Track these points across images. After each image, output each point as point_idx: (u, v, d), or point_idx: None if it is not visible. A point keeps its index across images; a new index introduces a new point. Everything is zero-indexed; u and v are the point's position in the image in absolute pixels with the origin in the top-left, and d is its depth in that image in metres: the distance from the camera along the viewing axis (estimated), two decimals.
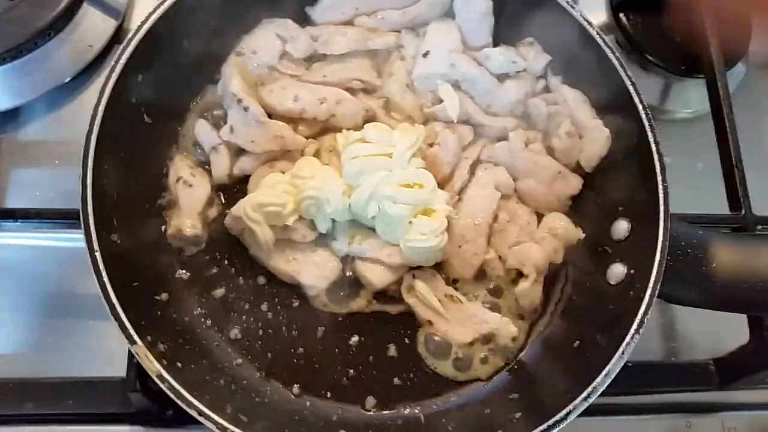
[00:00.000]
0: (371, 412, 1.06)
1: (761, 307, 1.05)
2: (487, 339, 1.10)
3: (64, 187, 1.17)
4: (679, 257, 0.99)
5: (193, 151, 1.16)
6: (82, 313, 1.12)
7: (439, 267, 1.13)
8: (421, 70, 1.19)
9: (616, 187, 1.12)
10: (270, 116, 1.12)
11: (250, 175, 1.14)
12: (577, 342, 1.04)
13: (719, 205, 1.21)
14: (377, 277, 1.10)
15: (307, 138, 1.16)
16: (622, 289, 1.03)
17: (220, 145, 1.14)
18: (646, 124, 1.05)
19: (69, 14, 1.27)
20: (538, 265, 1.11)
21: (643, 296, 0.96)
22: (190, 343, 1.03)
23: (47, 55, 1.25)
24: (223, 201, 1.15)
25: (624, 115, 1.09)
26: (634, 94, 1.08)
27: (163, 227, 1.11)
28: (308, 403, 1.05)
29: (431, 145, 1.16)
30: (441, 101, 1.18)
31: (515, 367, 1.10)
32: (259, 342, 1.08)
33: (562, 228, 1.14)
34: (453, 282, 1.14)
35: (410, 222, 1.06)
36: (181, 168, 1.13)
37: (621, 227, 1.08)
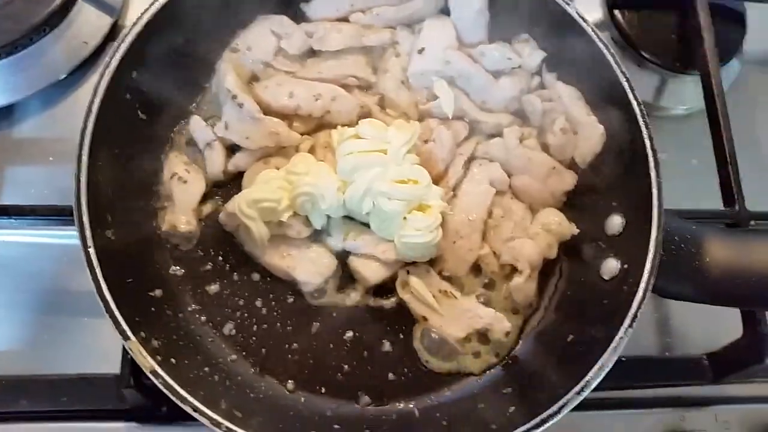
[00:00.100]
0: (366, 408, 1.06)
1: (754, 302, 1.06)
2: (481, 334, 1.10)
3: (58, 184, 1.17)
4: (673, 252, 0.99)
5: (187, 148, 1.16)
6: (76, 310, 1.12)
7: (433, 263, 1.13)
8: (416, 66, 1.19)
9: (610, 183, 1.12)
10: (265, 113, 1.12)
11: (244, 172, 1.14)
12: (571, 336, 1.05)
13: (713, 201, 1.21)
14: (372, 272, 1.10)
15: (302, 134, 1.16)
16: (616, 284, 1.03)
17: (215, 141, 1.14)
18: (641, 120, 1.05)
19: (64, 10, 1.27)
20: (532, 261, 1.11)
21: (637, 291, 0.97)
22: (184, 339, 1.03)
23: (42, 51, 1.25)
24: (218, 197, 1.15)
25: (618, 112, 1.09)
26: (628, 91, 1.07)
27: (157, 224, 1.11)
28: (303, 399, 1.05)
29: (426, 141, 1.16)
30: (436, 98, 1.18)
31: (509, 361, 1.10)
32: (254, 338, 1.08)
33: (557, 224, 1.14)
34: (447, 277, 1.13)
35: (405, 218, 1.06)
36: (175, 164, 1.13)
37: (615, 222, 1.08)
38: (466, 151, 1.18)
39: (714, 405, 1.19)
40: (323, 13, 1.22)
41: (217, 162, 1.14)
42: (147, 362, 0.90)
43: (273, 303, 1.10)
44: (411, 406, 1.07)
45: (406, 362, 1.09)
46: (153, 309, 1.02)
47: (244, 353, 1.07)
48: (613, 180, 1.11)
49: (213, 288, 1.09)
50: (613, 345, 0.94)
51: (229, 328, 1.08)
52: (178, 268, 1.10)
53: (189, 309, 1.08)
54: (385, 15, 1.21)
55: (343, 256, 1.13)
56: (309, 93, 1.16)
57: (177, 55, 1.13)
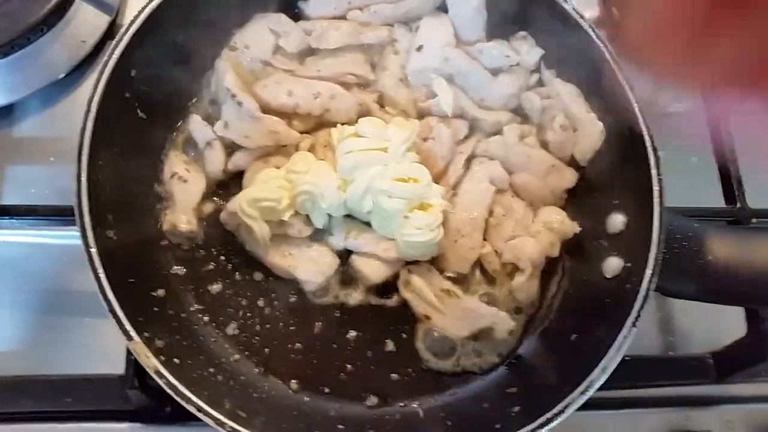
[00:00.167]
0: (370, 408, 1.06)
1: (758, 300, 1.06)
2: (485, 333, 1.10)
3: (59, 184, 1.16)
4: (675, 250, 1.00)
5: (187, 147, 1.16)
6: (78, 310, 1.12)
7: (435, 261, 1.13)
8: (415, 64, 1.19)
9: (611, 181, 1.12)
10: (264, 111, 1.12)
11: (244, 171, 1.13)
12: (574, 336, 1.05)
13: (714, 198, 1.21)
14: (373, 271, 1.10)
15: (301, 133, 1.16)
16: (619, 283, 1.03)
17: (215, 140, 1.13)
18: (640, 117, 1.05)
19: (61, 9, 1.26)
20: (534, 260, 1.11)
21: (639, 289, 0.97)
22: (187, 339, 1.03)
23: (40, 51, 1.24)
24: (219, 197, 1.14)
25: (618, 109, 1.09)
26: (627, 88, 1.08)
27: (158, 223, 1.10)
28: (306, 399, 1.05)
29: (425, 139, 1.16)
30: (435, 95, 1.18)
31: (513, 361, 1.10)
32: (257, 338, 1.08)
33: (558, 222, 1.14)
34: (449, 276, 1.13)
35: (406, 216, 1.06)
36: (175, 163, 1.13)
37: (616, 221, 1.08)
38: (466, 149, 1.18)
39: (718, 404, 1.20)
40: (321, 11, 1.22)
41: (216, 161, 1.13)
42: (151, 363, 0.90)
43: (275, 302, 1.10)
44: (415, 406, 1.06)
45: (410, 362, 1.09)
46: (155, 309, 1.02)
47: (247, 353, 1.06)
48: (614, 178, 1.11)
49: (215, 288, 1.09)
50: (617, 344, 0.94)
51: (232, 328, 1.08)
52: (180, 267, 1.09)
53: (191, 309, 1.08)
54: (382, 12, 1.21)
55: (344, 255, 1.12)
56: (308, 91, 1.16)
57: (175, 53, 1.12)
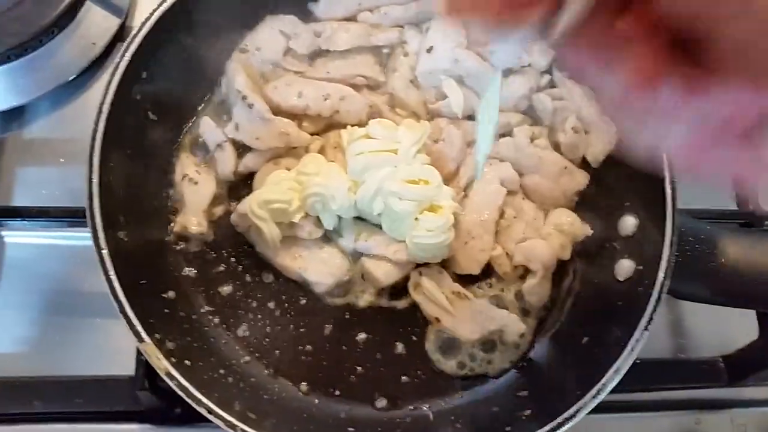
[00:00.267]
0: (380, 410, 1.06)
1: None
2: (495, 336, 1.10)
3: (70, 185, 1.16)
4: (688, 253, 0.99)
5: (197, 149, 1.16)
6: (89, 312, 1.12)
7: (445, 263, 1.12)
8: (425, 65, 1.18)
9: (622, 183, 1.11)
10: (275, 113, 1.12)
11: (255, 173, 1.14)
12: (586, 339, 1.04)
13: (725, 201, 1.20)
14: (384, 274, 1.10)
15: (311, 135, 1.16)
16: (631, 285, 1.02)
17: (225, 142, 1.13)
18: None
19: (72, 12, 1.26)
20: (545, 262, 1.10)
21: (652, 292, 0.96)
22: (198, 341, 1.03)
23: (51, 53, 1.25)
24: (229, 198, 1.14)
25: None
26: None
27: (169, 225, 1.10)
28: (316, 401, 1.05)
29: (436, 141, 1.16)
30: (445, 97, 1.17)
31: (523, 364, 1.09)
32: (267, 339, 1.08)
33: (569, 224, 1.13)
34: (459, 278, 1.13)
35: (416, 218, 1.06)
36: (186, 165, 1.13)
37: (628, 223, 1.07)
38: None
39: (730, 408, 1.19)
40: (331, 12, 1.21)
41: (227, 163, 1.13)
42: (161, 364, 0.90)
43: (286, 304, 1.10)
44: (425, 408, 1.06)
45: (420, 364, 1.09)
46: (166, 311, 1.02)
47: (257, 355, 1.06)
48: (626, 180, 1.10)
49: (226, 289, 1.09)
50: (629, 347, 0.93)
51: (242, 330, 1.07)
52: (190, 269, 1.09)
53: (202, 310, 1.08)
54: (392, 14, 1.20)
55: (355, 257, 1.12)
56: (318, 93, 1.16)
57: (186, 55, 1.12)
